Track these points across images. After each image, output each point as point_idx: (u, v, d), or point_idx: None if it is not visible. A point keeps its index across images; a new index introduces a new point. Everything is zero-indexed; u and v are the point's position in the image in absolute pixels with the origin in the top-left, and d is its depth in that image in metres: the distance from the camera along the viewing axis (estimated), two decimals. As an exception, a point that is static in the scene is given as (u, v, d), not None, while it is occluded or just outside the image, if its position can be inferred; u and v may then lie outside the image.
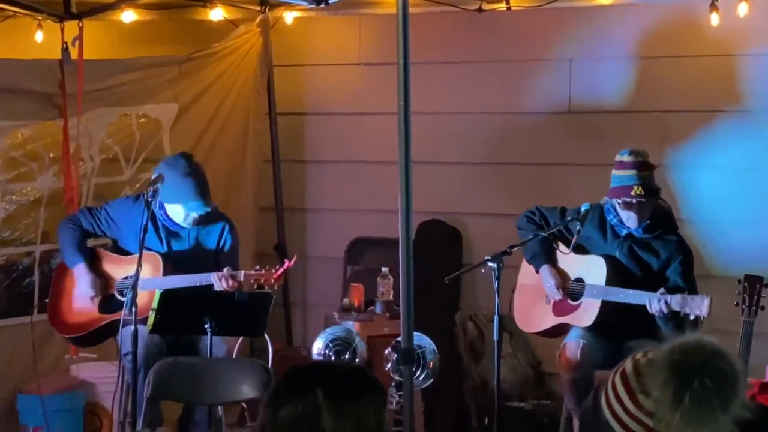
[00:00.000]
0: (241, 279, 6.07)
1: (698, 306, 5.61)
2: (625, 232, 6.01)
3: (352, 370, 2.71)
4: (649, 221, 5.97)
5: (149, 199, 6.00)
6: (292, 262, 6.18)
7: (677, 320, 5.72)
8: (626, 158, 5.95)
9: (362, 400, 2.56)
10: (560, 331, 6.20)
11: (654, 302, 5.69)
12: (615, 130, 7.36)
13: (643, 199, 5.88)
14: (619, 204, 5.95)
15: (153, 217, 6.21)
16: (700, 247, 6.73)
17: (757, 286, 5.69)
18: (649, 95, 7.32)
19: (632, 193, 5.87)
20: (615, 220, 6.02)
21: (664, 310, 5.66)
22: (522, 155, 7.68)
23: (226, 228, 6.48)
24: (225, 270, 6.07)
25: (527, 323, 6.35)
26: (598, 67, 7.49)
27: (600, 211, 6.09)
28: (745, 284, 5.70)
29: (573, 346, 5.99)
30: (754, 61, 7.08)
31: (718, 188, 7.14)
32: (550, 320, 6.22)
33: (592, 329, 6.03)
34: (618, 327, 5.99)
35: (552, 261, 6.21)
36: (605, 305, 5.94)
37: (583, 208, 6.02)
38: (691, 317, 5.62)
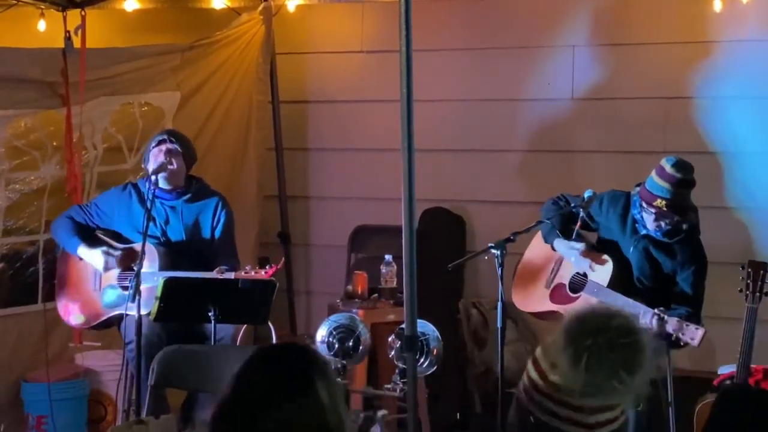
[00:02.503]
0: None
1: (691, 334, 5.55)
2: (644, 231, 5.94)
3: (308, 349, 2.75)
4: (670, 228, 5.90)
5: (150, 192, 6.06)
6: (281, 265, 6.22)
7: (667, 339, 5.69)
8: (668, 169, 5.75)
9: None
10: (553, 317, 6.21)
11: (647, 316, 5.62)
12: (618, 117, 7.36)
13: (663, 215, 5.79)
14: (642, 206, 5.87)
15: (145, 199, 6.23)
16: (707, 234, 6.72)
17: (761, 272, 5.68)
18: (652, 81, 7.32)
19: (655, 204, 5.76)
20: (638, 216, 5.92)
21: (654, 325, 5.60)
22: (525, 142, 7.68)
23: (220, 204, 6.50)
24: (215, 271, 6.08)
25: (522, 301, 6.35)
26: (601, 54, 7.48)
27: (625, 201, 6.02)
28: (749, 270, 5.70)
29: None
30: (758, 47, 7.06)
31: (721, 174, 7.14)
32: (545, 305, 6.23)
33: None
34: None
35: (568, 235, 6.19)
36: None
37: (585, 195, 6.01)
38: (681, 343, 5.58)
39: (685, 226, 5.87)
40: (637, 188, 5.91)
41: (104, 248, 6.35)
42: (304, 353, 2.67)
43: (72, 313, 6.48)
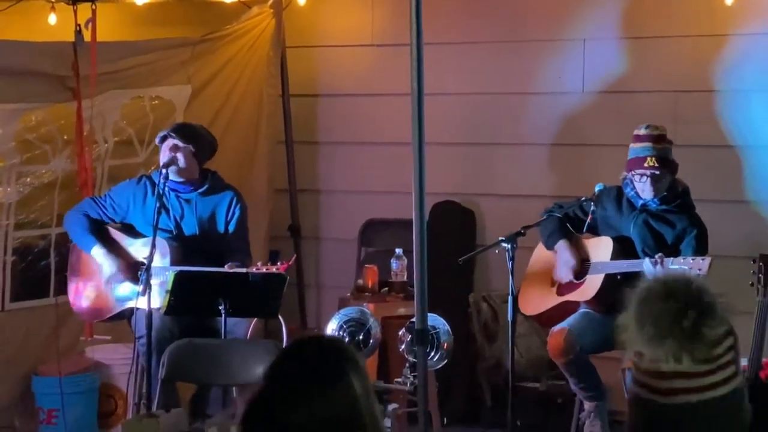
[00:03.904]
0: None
1: (698, 265, 5.59)
2: (640, 203, 6.03)
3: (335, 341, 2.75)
4: (665, 193, 5.98)
5: (162, 186, 6.08)
6: (293, 261, 6.24)
7: None
8: (642, 131, 6.01)
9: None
10: (562, 312, 6.22)
11: (649, 264, 5.69)
12: (630, 110, 7.34)
13: (657, 171, 5.91)
14: (634, 176, 5.98)
15: (160, 195, 6.21)
16: (719, 227, 6.72)
17: (773, 265, 5.67)
18: (663, 75, 7.30)
19: (645, 165, 5.92)
20: (632, 193, 6.06)
21: (657, 271, 5.64)
22: (536, 136, 7.67)
23: (235, 198, 6.51)
24: (227, 266, 6.08)
25: (529, 306, 6.37)
26: (612, 47, 7.46)
27: (618, 189, 6.14)
28: (761, 264, 5.68)
29: (557, 333, 6.05)
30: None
31: (733, 167, 7.12)
32: (552, 301, 6.25)
33: (589, 311, 6.07)
34: (620, 301, 6.01)
35: (569, 238, 6.22)
36: (608, 278, 5.99)
37: (596, 189, 6.04)
38: None
39: (680, 197, 5.95)
40: (623, 172, 6.07)
41: (117, 263, 6.36)
42: (337, 345, 2.66)
43: (80, 294, 6.49)
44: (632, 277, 5.92)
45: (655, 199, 6.00)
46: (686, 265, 5.60)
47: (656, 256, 5.69)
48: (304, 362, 2.59)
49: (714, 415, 2.66)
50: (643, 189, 5.99)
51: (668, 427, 2.68)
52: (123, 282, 6.35)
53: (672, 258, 5.68)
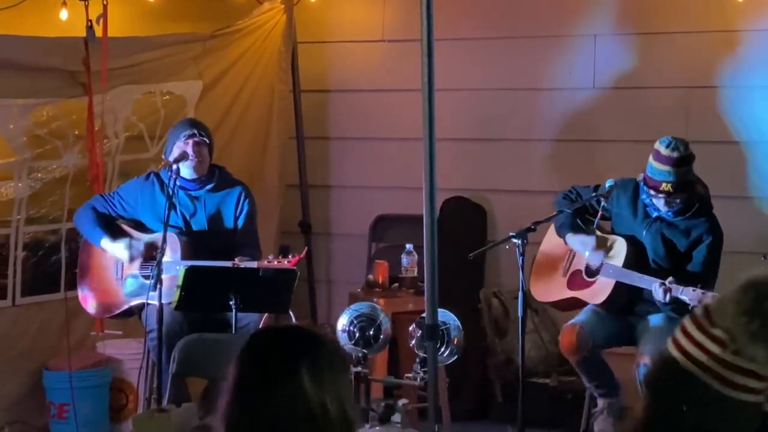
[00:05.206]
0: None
1: (706, 300, 5.54)
2: (655, 214, 5.96)
3: (324, 338, 2.64)
4: (681, 206, 5.90)
5: (172, 182, 6.08)
6: (304, 254, 6.25)
7: (676, 306, 5.69)
8: (663, 151, 5.78)
9: (339, 369, 2.58)
10: (573, 304, 6.21)
11: (658, 289, 5.67)
12: (640, 106, 7.34)
13: (672, 195, 5.82)
14: (650, 193, 5.89)
15: (171, 190, 6.21)
16: (730, 223, 6.71)
17: (784, 260, 5.67)
18: (674, 71, 7.29)
19: (661, 188, 5.80)
20: (648, 200, 5.95)
21: (666, 298, 5.62)
22: (546, 131, 7.67)
23: (243, 193, 6.52)
24: (237, 259, 6.09)
25: (541, 292, 6.36)
26: (623, 43, 7.45)
27: (634, 187, 6.04)
28: (772, 259, 5.68)
29: (569, 330, 6.04)
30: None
31: (744, 163, 7.11)
32: (563, 293, 6.24)
33: (599, 310, 6.05)
34: (629, 305, 6.01)
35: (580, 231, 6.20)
36: (618, 285, 5.95)
37: (607, 185, 6.01)
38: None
39: (696, 204, 5.89)
40: (641, 174, 5.95)
41: (127, 241, 6.37)
42: (294, 337, 2.61)
43: (90, 290, 6.52)
44: (640, 288, 5.91)
45: (670, 212, 5.93)
46: (694, 297, 5.55)
47: (667, 282, 5.65)
48: (260, 356, 2.60)
49: (752, 419, 2.67)
50: (657, 203, 5.92)
51: (715, 416, 2.67)
52: (141, 259, 6.34)
53: (682, 287, 5.62)
